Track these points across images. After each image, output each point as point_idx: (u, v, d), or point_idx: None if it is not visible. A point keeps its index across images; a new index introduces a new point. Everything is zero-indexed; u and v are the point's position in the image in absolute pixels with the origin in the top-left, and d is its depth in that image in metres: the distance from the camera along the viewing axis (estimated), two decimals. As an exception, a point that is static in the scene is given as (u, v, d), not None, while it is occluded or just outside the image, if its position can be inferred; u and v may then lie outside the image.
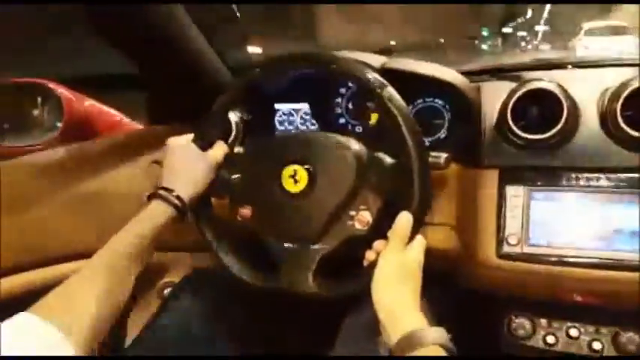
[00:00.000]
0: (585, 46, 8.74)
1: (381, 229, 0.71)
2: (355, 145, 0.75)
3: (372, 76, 0.72)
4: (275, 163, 0.78)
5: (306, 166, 0.76)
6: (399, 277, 0.66)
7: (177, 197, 0.73)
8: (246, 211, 0.81)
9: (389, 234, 0.69)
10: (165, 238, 0.73)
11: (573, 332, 0.88)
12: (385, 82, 0.71)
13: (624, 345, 0.85)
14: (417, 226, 0.69)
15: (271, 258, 0.79)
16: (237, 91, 0.83)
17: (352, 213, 0.74)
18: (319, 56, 0.78)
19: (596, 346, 0.86)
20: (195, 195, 0.77)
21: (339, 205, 0.74)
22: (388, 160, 0.74)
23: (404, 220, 0.68)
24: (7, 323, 0.51)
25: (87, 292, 0.59)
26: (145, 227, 0.70)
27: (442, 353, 0.57)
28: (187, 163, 0.78)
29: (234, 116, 1.03)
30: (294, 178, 0.76)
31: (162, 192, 0.73)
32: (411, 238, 0.69)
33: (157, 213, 0.72)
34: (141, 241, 0.68)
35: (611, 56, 0.99)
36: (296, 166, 0.76)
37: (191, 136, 0.82)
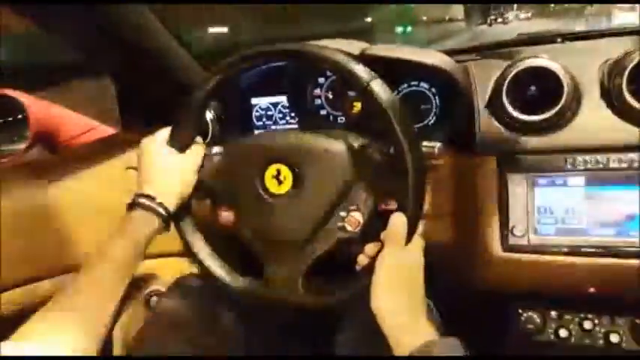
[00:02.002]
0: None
1: (372, 229, 0.65)
2: (343, 145, 0.68)
3: (358, 67, 0.64)
4: (256, 163, 0.71)
5: (291, 166, 0.69)
6: (400, 284, 0.60)
7: (161, 205, 0.68)
8: (228, 215, 0.75)
9: (382, 237, 0.62)
10: (150, 246, 0.68)
11: (587, 325, 0.82)
12: (372, 74, 0.63)
13: None
14: (414, 226, 0.62)
15: (257, 264, 0.72)
16: (212, 86, 0.75)
17: (342, 214, 0.67)
18: (300, 49, 0.70)
19: (614, 338, 0.80)
20: (177, 200, 0.71)
21: (328, 206, 0.67)
22: (378, 156, 0.67)
23: (398, 221, 0.61)
24: None
25: (73, 309, 0.56)
26: (130, 239, 0.65)
27: None
28: (166, 167, 0.71)
29: (209, 114, 0.96)
30: (278, 179, 0.70)
31: (144, 200, 0.67)
32: (408, 238, 0.62)
33: (141, 223, 0.66)
34: (126, 253, 0.63)
35: (608, 26, 0.92)
36: (279, 166, 0.70)
37: (166, 134, 0.74)
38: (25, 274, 0.86)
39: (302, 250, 0.69)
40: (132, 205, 0.67)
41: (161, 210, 0.67)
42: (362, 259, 0.65)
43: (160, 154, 0.72)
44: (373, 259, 0.62)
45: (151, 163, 0.71)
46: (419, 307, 0.59)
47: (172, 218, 0.71)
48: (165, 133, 0.74)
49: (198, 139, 0.77)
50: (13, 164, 0.96)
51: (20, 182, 0.89)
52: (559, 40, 0.88)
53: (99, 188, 0.97)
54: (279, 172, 0.70)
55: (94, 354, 0.56)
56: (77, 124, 1.10)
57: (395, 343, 0.56)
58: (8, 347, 0.48)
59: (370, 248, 0.64)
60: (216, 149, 0.81)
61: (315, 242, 0.68)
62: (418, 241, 0.64)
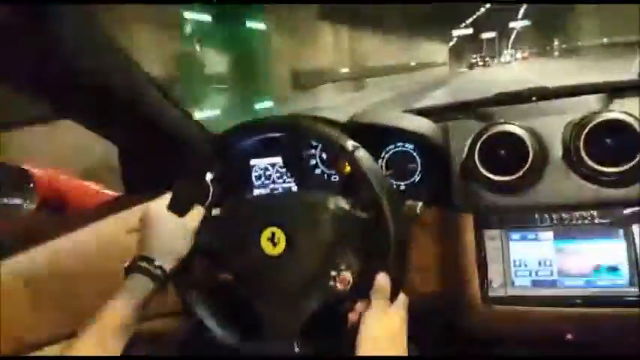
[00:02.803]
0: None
1: (363, 286, 0.71)
2: (332, 204, 0.75)
3: (340, 140, 0.72)
4: (253, 227, 0.77)
5: (283, 228, 0.76)
6: (385, 341, 0.65)
7: (159, 267, 0.72)
8: (227, 275, 0.80)
9: (371, 294, 0.68)
10: (150, 309, 0.71)
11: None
12: (354, 144, 0.72)
13: None
14: (397, 285, 0.69)
15: (255, 322, 0.77)
16: (209, 156, 0.83)
17: (333, 273, 0.73)
18: (285, 123, 0.79)
19: None
20: (175, 262, 0.75)
21: (319, 266, 0.73)
22: (364, 215, 0.74)
23: (382, 281, 0.68)
24: None
25: None
26: (128, 302, 0.67)
27: None
28: (166, 231, 0.76)
29: (209, 175, 1.03)
30: (273, 241, 0.76)
31: (142, 263, 0.71)
32: (393, 296, 0.68)
33: (139, 286, 0.70)
34: (123, 316, 0.66)
35: (573, 84, 0.99)
36: (274, 229, 0.76)
37: (166, 200, 0.81)
38: (28, 340, 0.87)
39: (297, 307, 0.73)
40: (130, 268, 0.71)
41: (159, 272, 0.70)
42: (352, 317, 0.70)
43: (161, 220, 0.77)
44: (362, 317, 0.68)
45: (151, 228, 0.76)
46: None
47: (171, 279, 0.75)
48: (166, 199, 0.80)
49: (198, 204, 0.83)
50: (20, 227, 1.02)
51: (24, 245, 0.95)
52: (533, 99, 0.97)
53: (100, 251, 1.00)
54: (273, 234, 0.76)
55: None
56: (84, 191, 1.18)
57: None
58: None
59: (360, 306, 0.70)
60: (215, 211, 0.89)
61: (309, 299, 0.73)
62: (401, 298, 0.69)
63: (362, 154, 0.72)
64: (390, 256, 0.68)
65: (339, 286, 0.72)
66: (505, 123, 0.83)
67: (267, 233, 0.76)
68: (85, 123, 0.94)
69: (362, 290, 0.70)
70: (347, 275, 0.72)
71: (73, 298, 0.90)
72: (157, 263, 0.71)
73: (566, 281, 0.78)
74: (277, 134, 0.83)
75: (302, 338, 0.73)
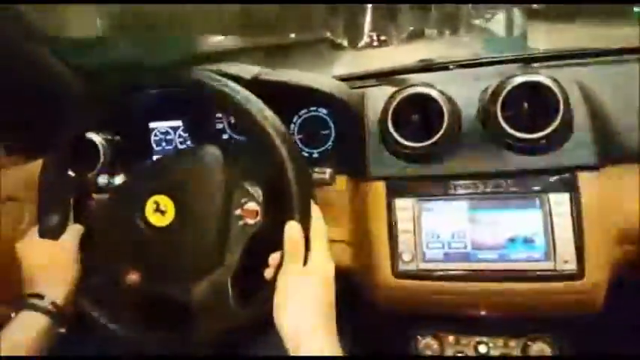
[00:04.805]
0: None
1: (275, 220, 0.62)
2: (213, 148, 0.68)
3: (226, 87, 0.63)
4: (130, 208, 0.68)
5: (165, 194, 0.67)
6: (301, 299, 0.56)
7: (51, 302, 0.65)
8: (132, 276, 0.70)
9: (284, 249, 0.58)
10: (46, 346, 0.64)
11: (482, 348, 0.83)
12: (238, 89, 0.62)
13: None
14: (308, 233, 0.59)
15: (181, 309, 0.66)
16: (94, 116, 0.72)
17: (237, 212, 0.65)
18: (173, 76, 0.68)
19: None
20: (67, 290, 0.68)
21: (220, 212, 0.64)
22: (256, 150, 0.66)
23: (292, 231, 0.57)
24: None
25: None
26: (17, 341, 0.61)
27: None
28: (45, 261, 0.68)
29: (98, 138, 0.91)
30: (160, 210, 0.67)
31: (32, 300, 0.64)
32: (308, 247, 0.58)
33: (30, 324, 0.63)
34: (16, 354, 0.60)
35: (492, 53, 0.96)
36: (154, 199, 0.67)
37: (36, 230, 0.71)
38: None
39: (215, 267, 0.64)
40: (19, 305, 0.65)
41: (51, 307, 0.64)
42: (267, 273, 0.61)
43: (36, 251, 0.69)
44: (277, 269, 0.58)
45: (29, 263, 0.69)
46: (321, 324, 0.55)
47: (66, 310, 0.66)
48: (35, 229, 0.71)
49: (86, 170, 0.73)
50: None
51: None
52: (451, 67, 0.91)
53: None
54: (157, 204, 0.67)
55: None
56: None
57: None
58: None
59: (273, 259, 0.60)
60: (102, 180, 0.78)
61: (225, 253, 0.64)
62: (321, 254, 0.59)
63: (259, 105, 0.63)
64: (293, 199, 0.58)
65: (249, 221, 0.65)
66: (420, 85, 0.76)
67: (150, 206, 0.67)
68: None
69: (276, 224, 0.61)
70: (252, 206, 0.65)
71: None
72: (47, 298, 0.65)
73: (480, 254, 0.73)
74: (167, 88, 0.72)
75: (238, 297, 0.63)
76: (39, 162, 0.74)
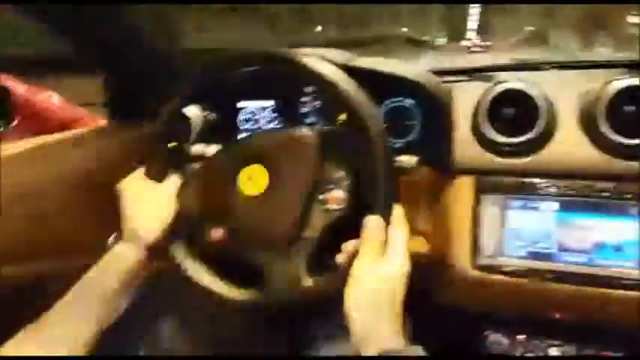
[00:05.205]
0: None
1: (359, 206, 0.64)
2: (308, 130, 0.70)
3: (330, 71, 0.65)
4: (227, 174, 0.72)
5: (261, 165, 0.70)
6: (377, 292, 0.57)
7: (144, 238, 0.70)
8: (216, 232, 0.74)
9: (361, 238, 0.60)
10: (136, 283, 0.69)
11: (553, 351, 0.82)
12: (346, 78, 0.64)
13: None
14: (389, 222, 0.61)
15: (260, 271, 0.71)
16: (193, 89, 0.76)
17: (323, 196, 0.68)
18: (275, 54, 0.71)
19: None
20: (160, 231, 0.72)
21: (307, 192, 0.67)
22: (349, 137, 0.67)
23: (372, 223, 0.59)
24: None
25: (52, 334, 0.58)
26: (112, 272, 0.66)
27: None
28: (145, 201, 0.73)
29: (195, 111, 0.96)
30: (253, 180, 0.71)
31: (128, 234, 0.69)
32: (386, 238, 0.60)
33: (125, 257, 0.68)
34: (107, 286, 0.65)
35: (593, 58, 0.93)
36: (250, 168, 0.71)
37: (141, 171, 0.76)
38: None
39: (295, 243, 0.68)
40: (117, 237, 0.70)
41: (143, 243, 0.69)
42: (340, 257, 0.63)
43: (139, 191, 0.74)
44: (351, 258, 0.60)
45: (132, 200, 0.73)
46: (394, 318, 0.56)
47: (156, 248, 0.71)
48: (141, 170, 0.76)
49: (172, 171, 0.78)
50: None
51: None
52: (546, 67, 0.89)
53: (76, 177, 0.96)
54: (251, 174, 0.70)
55: None
56: (67, 112, 1.11)
57: (360, 345, 0.55)
58: None
59: (347, 246, 0.62)
60: (197, 149, 0.82)
61: (305, 231, 0.67)
62: (399, 250, 0.60)
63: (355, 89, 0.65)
64: (377, 204, 0.60)
65: (332, 207, 0.67)
66: (517, 81, 0.75)
67: (245, 174, 0.71)
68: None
69: (360, 210, 0.63)
70: (337, 193, 0.67)
71: (42, 220, 0.86)
72: (140, 234, 0.70)
73: (565, 256, 0.72)
74: (265, 65, 0.75)
75: (312, 275, 0.67)
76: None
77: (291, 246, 0.68)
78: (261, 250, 0.70)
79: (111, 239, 0.70)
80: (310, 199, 0.67)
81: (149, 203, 0.73)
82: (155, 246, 0.70)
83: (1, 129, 0.99)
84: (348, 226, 0.65)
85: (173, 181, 0.76)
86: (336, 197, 0.67)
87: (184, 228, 0.77)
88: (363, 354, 0.54)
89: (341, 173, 0.68)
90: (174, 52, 0.96)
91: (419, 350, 0.54)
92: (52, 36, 0.84)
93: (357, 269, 0.59)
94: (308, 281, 0.66)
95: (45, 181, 0.90)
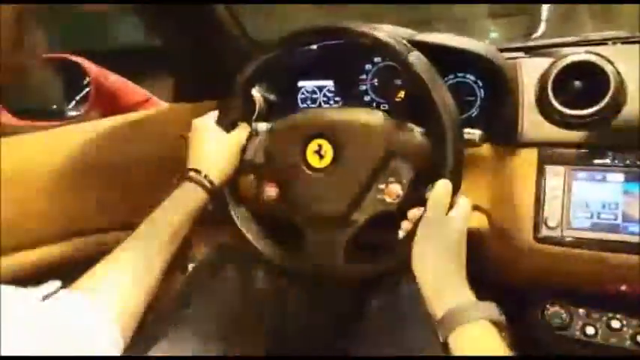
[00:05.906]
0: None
1: (411, 202, 0.68)
2: (382, 119, 0.73)
3: (397, 42, 0.68)
4: (299, 139, 0.76)
5: (331, 141, 0.73)
6: (443, 250, 0.60)
7: (207, 178, 0.72)
8: (271, 191, 0.79)
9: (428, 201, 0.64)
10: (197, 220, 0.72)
11: (615, 324, 0.82)
12: (410, 47, 0.68)
13: None
14: (457, 192, 0.65)
15: (300, 237, 0.76)
16: (255, 68, 0.80)
17: (381, 186, 0.71)
18: (341, 27, 0.74)
19: None
20: (223, 176, 0.76)
21: (367, 178, 0.71)
22: (418, 129, 0.71)
23: (442, 187, 0.63)
24: (53, 303, 0.49)
25: (125, 267, 0.60)
26: (179, 208, 0.69)
27: (491, 329, 0.53)
28: (213, 145, 0.76)
29: (257, 93, 1.01)
30: (320, 154, 0.74)
31: (192, 174, 0.72)
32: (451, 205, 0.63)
33: (190, 195, 0.71)
34: (175, 220, 0.67)
35: None
36: (320, 141, 0.74)
37: (214, 115, 0.80)
38: (96, 224, 0.97)
39: (342, 222, 0.72)
40: (182, 178, 0.73)
41: (207, 183, 0.72)
42: (406, 225, 0.67)
43: (209, 134, 0.77)
44: (416, 224, 0.64)
45: (200, 141, 0.77)
46: (458, 273, 0.60)
47: (218, 191, 0.75)
48: (213, 114, 0.80)
49: (243, 120, 0.82)
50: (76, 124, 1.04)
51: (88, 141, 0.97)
52: (610, 43, 0.89)
53: (156, 152, 1.03)
54: (320, 146, 0.74)
55: (142, 309, 0.59)
56: (134, 94, 1.18)
57: (432, 305, 0.58)
58: (63, 294, 0.51)
59: (413, 213, 0.66)
60: (261, 126, 0.87)
61: (354, 213, 0.71)
62: (463, 207, 0.64)
63: (421, 58, 0.68)
64: (446, 166, 0.63)
65: (387, 199, 0.70)
66: (584, 53, 0.76)
67: (313, 145, 0.75)
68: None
69: (410, 206, 0.67)
70: (396, 188, 0.70)
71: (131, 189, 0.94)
72: (205, 174, 0.72)
73: (631, 227, 0.73)
74: (324, 40, 0.80)
75: (348, 253, 0.72)
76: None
77: (338, 224, 0.72)
78: (308, 220, 0.74)
79: (174, 181, 0.73)
80: (369, 186, 0.71)
81: (218, 146, 0.76)
82: (216, 191, 0.73)
83: (80, 107, 1.06)
84: (390, 222, 0.69)
85: (244, 131, 0.80)
86: (394, 192, 0.70)
87: (244, 180, 0.81)
88: (436, 306, 0.57)
89: (403, 169, 0.70)
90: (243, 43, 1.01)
91: (492, 306, 0.56)
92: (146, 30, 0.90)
93: (423, 226, 0.62)
94: (342, 260, 0.71)
95: (130, 158, 0.99)
